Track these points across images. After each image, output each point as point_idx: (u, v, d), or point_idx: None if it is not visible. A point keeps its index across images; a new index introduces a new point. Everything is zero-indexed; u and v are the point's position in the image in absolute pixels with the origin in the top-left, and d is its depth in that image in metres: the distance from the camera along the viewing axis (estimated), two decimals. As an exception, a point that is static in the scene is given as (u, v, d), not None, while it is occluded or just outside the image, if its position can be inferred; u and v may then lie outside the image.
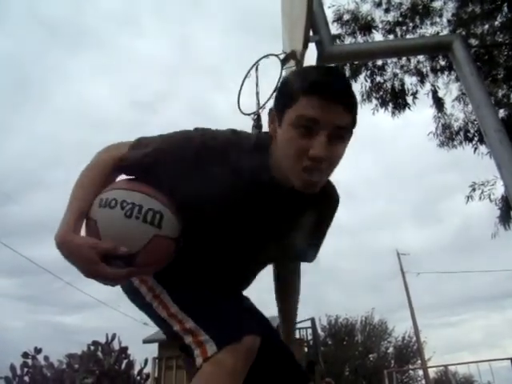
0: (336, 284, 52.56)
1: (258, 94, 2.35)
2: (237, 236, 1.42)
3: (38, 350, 14.46)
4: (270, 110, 1.33)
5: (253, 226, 1.40)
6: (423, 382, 22.93)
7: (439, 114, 8.03)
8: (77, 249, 1.16)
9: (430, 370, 21.12)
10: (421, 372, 23.23)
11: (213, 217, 1.36)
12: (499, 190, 7.25)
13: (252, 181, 1.32)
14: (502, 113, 7.30)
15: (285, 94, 1.24)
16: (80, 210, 1.25)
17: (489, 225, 7.62)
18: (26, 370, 14.10)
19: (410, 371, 25.60)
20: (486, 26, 7.61)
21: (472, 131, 7.77)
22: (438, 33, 7.75)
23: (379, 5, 7.92)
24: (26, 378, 14.03)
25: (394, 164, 58.84)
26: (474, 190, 7.50)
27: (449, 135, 8.10)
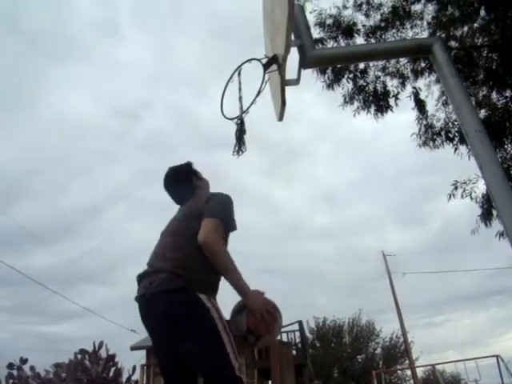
0: (323, 287, 52.72)
1: (241, 98, 2.35)
2: None
3: (23, 361, 14.24)
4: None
5: None
6: (411, 381, 23.07)
7: (421, 115, 8.11)
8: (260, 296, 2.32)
9: (417, 370, 21.28)
10: (409, 372, 23.40)
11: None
12: (481, 188, 7.36)
13: None
14: (482, 113, 7.41)
15: (193, 166, 2.82)
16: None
17: (471, 225, 7.71)
18: (11, 381, 13.89)
19: (398, 371, 25.77)
20: (465, 29, 7.72)
21: (453, 131, 7.86)
22: (417, 34, 7.85)
23: (360, 7, 7.98)
24: (12, 389, 13.82)
25: (376, 167, 59.13)
26: (456, 188, 7.60)
27: (431, 135, 8.18)
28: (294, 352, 13.59)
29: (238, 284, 2.20)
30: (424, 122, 8.18)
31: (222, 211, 2.36)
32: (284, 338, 14.08)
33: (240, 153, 2.73)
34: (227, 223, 2.36)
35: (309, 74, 7.74)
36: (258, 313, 2.21)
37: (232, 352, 2.16)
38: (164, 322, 2.20)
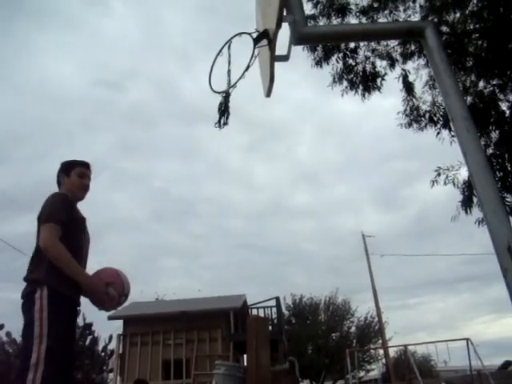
0: (301, 265, 53.33)
1: (229, 72, 2.32)
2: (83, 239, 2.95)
3: (-1, 326, 14.21)
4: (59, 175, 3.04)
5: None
6: (384, 361, 23.61)
7: (408, 97, 8.11)
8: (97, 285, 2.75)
9: (390, 350, 21.80)
10: (381, 351, 23.93)
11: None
12: (463, 174, 7.42)
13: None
14: (468, 100, 7.43)
15: (70, 165, 3.04)
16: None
17: (448, 211, 7.81)
18: (-14, 345, 13.85)
19: (371, 350, 26.31)
20: (458, 14, 7.68)
21: (438, 115, 7.88)
22: (409, 16, 7.79)
23: None
24: (-13, 354, 13.80)
25: (358, 150, 59.41)
26: (439, 174, 7.65)
27: (415, 116, 8.19)
28: (270, 328, 13.74)
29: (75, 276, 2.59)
30: (410, 103, 8.18)
31: (52, 212, 2.68)
32: (261, 313, 14.25)
33: (222, 126, 2.71)
34: (60, 220, 2.66)
35: (297, 54, 7.66)
36: (97, 296, 2.72)
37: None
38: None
